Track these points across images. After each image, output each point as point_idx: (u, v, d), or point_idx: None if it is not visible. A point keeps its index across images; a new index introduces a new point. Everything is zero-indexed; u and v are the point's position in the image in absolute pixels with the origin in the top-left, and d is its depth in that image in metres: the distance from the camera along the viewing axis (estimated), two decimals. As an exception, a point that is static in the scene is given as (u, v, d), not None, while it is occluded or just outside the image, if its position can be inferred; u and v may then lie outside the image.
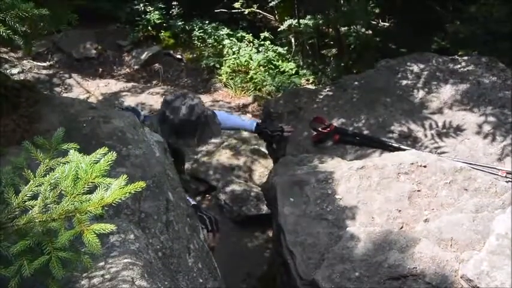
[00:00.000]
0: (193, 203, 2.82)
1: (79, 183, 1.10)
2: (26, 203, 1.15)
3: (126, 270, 1.56)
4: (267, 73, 6.78)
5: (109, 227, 1.06)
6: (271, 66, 6.96)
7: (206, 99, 6.37)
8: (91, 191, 1.13)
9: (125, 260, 1.60)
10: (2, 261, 1.13)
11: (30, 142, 1.37)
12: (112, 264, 1.57)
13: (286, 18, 7.18)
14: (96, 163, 1.12)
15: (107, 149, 1.17)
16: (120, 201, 1.07)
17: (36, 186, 1.18)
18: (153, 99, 6.23)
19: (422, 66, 4.08)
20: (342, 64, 6.71)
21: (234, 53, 7.05)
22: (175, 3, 7.52)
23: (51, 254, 1.10)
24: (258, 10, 7.74)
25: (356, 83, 4.11)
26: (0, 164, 1.47)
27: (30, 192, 1.17)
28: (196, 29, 7.40)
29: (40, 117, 2.31)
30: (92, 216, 1.10)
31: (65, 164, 1.18)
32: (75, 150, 1.23)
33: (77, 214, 1.06)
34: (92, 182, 1.11)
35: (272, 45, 7.24)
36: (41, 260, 1.10)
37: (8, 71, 6.08)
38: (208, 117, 2.96)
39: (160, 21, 7.40)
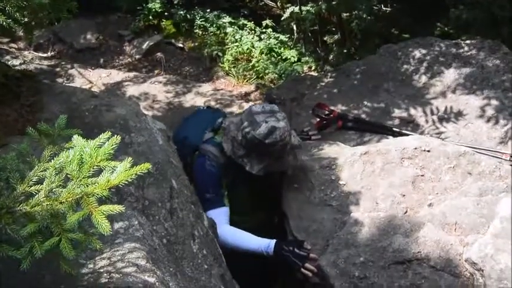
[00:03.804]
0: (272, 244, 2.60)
1: (84, 167, 1.10)
2: (32, 188, 1.16)
3: (131, 256, 1.57)
4: (269, 61, 6.75)
5: (117, 207, 1.06)
6: (273, 54, 6.93)
7: (208, 87, 6.36)
8: (96, 174, 1.14)
9: (130, 246, 1.61)
10: (11, 244, 1.15)
11: (34, 129, 1.38)
12: (117, 250, 1.58)
13: (287, 5, 7.14)
14: (100, 147, 1.12)
15: (110, 133, 1.17)
16: (126, 183, 1.07)
17: (41, 171, 1.19)
18: (155, 88, 6.21)
19: (425, 51, 4.07)
20: (344, 50, 6.68)
21: (236, 41, 7.03)
22: (176, -9, 7.49)
23: (61, 236, 1.11)
24: (259, -3, 7.73)
25: (358, 69, 4.10)
26: (3, 153, 1.48)
27: (35, 178, 1.18)
28: (198, 18, 7.37)
29: (42, 107, 2.31)
30: (97, 200, 1.11)
31: (69, 149, 1.19)
32: (78, 135, 1.23)
33: (84, 196, 1.07)
34: (97, 166, 1.12)
35: (274, 33, 7.21)
36: (52, 241, 1.11)
37: (9, 62, 6.07)
38: (288, 146, 2.71)
39: (161, 10, 7.37)
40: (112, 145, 1.11)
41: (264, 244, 2.61)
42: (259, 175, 2.70)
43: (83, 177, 1.09)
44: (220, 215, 2.69)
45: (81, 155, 1.11)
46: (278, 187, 2.97)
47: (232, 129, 2.74)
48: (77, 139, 1.17)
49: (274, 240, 2.62)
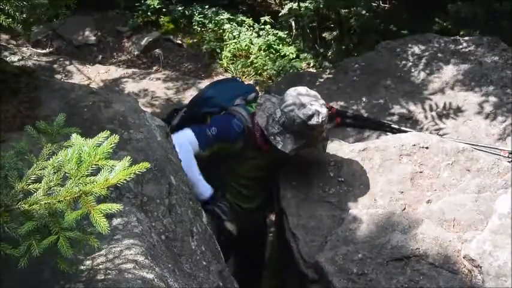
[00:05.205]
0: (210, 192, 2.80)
1: (83, 165, 1.10)
2: (30, 186, 1.16)
3: (129, 253, 1.57)
4: (267, 57, 6.74)
5: (115, 206, 1.07)
6: (272, 50, 6.91)
7: (207, 84, 6.34)
8: (94, 173, 1.13)
9: (128, 242, 1.61)
10: (9, 242, 1.15)
11: (32, 127, 1.38)
12: (115, 246, 1.58)
13: (286, 2, 7.12)
14: (99, 146, 1.12)
15: (109, 132, 1.17)
16: (124, 181, 1.08)
17: (40, 169, 1.19)
18: (154, 85, 6.20)
19: (423, 47, 4.07)
20: (343, 47, 6.67)
21: (234, 38, 7.02)
22: (174, -12, 7.46)
23: (59, 234, 1.11)
24: (257, -6, 7.70)
25: (357, 65, 4.10)
26: (1, 150, 1.48)
27: (34, 176, 1.18)
28: (196, 14, 7.35)
29: (40, 103, 2.30)
30: (96, 199, 1.11)
31: (67, 147, 1.19)
32: (77, 134, 1.23)
33: (83, 195, 1.07)
34: (95, 165, 1.12)
35: (272, 30, 7.19)
36: (50, 239, 1.12)
37: (8, 58, 6.05)
38: (322, 134, 2.79)
39: (159, 6, 7.35)
40: (111, 144, 1.11)
41: (205, 185, 2.79)
42: (290, 155, 2.75)
43: (82, 176, 1.10)
44: (193, 143, 2.76)
45: (80, 153, 1.11)
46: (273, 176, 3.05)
47: (268, 106, 2.76)
48: (75, 138, 1.17)
49: (213, 190, 2.81)
